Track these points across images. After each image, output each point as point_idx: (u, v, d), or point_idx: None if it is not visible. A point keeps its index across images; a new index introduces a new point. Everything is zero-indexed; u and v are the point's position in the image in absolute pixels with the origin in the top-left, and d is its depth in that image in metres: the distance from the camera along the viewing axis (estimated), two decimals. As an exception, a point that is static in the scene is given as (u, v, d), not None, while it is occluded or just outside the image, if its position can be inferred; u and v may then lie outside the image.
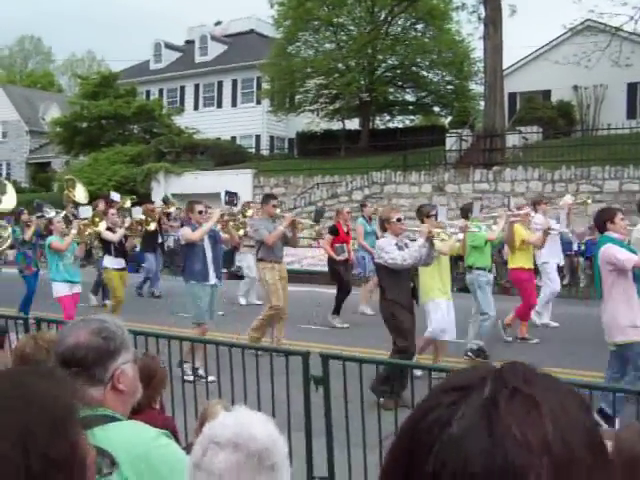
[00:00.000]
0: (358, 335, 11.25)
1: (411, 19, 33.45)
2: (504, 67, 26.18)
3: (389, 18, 32.50)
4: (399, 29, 33.89)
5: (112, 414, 2.18)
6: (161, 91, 40.62)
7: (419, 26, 34.01)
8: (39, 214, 13.68)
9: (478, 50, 29.71)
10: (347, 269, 12.97)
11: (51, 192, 33.35)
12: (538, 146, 24.13)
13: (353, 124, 36.13)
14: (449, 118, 36.05)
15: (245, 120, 37.37)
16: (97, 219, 11.02)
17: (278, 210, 10.31)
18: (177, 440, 3.63)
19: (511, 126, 26.33)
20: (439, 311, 8.36)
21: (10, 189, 13.19)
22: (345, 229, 13.20)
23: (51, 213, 14.23)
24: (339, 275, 12.68)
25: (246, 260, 14.68)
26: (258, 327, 9.69)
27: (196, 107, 39.52)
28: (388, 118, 37.80)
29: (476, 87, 33.41)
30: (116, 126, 34.41)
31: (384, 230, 7.98)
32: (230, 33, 42.38)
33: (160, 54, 42.10)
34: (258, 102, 37.08)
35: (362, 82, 32.30)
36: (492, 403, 0.85)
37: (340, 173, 25.02)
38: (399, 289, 7.56)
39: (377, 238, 13.32)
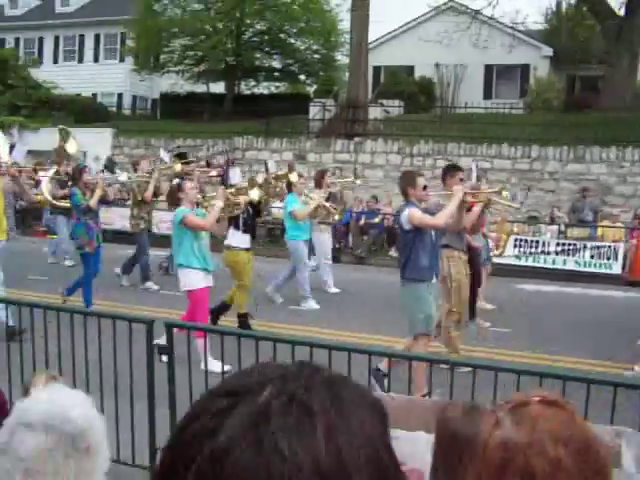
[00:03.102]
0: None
1: (281, -15, 33.24)
2: (370, 40, 26.57)
3: (259, -18, 32.18)
4: (268, -6, 33.61)
5: None
6: (17, 40, 38.47)
7: (289, -8, 33.84)
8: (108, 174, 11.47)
9: (346, 21, 29.96)
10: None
11: None
12: (399, 120, 24.70)
13: (218, 87, 35.65)
14: (314, 87, 36.25)
15: (107, 77, 35.96)
16: (249, 187, 8.82)
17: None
18: (5, 413, 3.54)
19: (374, 99, 26.81)
20: None
21: (72, 140, 11.54)
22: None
23: (122, 176, 12.33)
24: (477, 267, 9.32)
25: (320, 243, 12.48)
26: (449, 343, 7.83)
27: (55, 60, 37.72)
28: (254, 84, 37.50)
29: (342, 58, 33.70)
30: (-34, 75, 32.44)
31: None
32: (95, -16, 40.69)
33: (17, -1, 39.90)
34: (122, 59, 35.85)
35: (229, 46, 31.89)
36: (264, 412, 0.75)
37: (202, 137, 24.73)
38: None
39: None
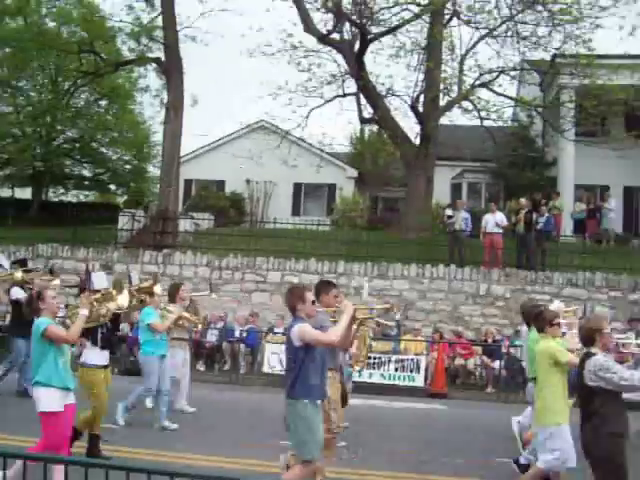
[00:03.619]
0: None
1: (95, 94, 33.18)
2: (183, 154, 26.81)
3: (72, 90, 31.91)
4: (82, 102, 33.45)
5: None
6: None
7: (103, 102, 33.84)
8: None
9: (159, 134, 30.22)
10: None
11: None
12: (209, 233, 24.81)
13: (25, 193, 34.45)
14: (124, 197, 35.92)
15: None
16: (116, 292, 7.98)
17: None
18: None
19: (184, 211, 26.87)
20: (566, 439, 7.20)
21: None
22: None
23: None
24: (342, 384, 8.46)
25: (177, 356, 11.60)
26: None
27: None
28: (62, 191, 36.61)
29: (154, 170, 33.80)
30: None
31: (589, 344, 6.48)
32: None
33: None
34: None
35: (38, 151, 31.10)
36: None
37: (4, 243, 23.48)
38: (622, 418, 6.22)
39: None
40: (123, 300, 8.06)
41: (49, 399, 6.72)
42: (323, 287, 7.60)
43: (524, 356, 10.32)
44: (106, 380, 8.56)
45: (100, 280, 8.42)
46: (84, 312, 7.16)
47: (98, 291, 8.05)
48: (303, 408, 6.36)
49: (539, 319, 7.76)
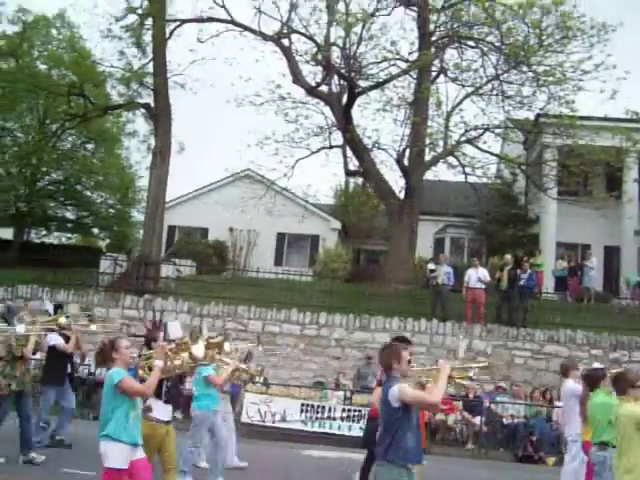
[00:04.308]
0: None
1: (82, 137, 33.28)
2: (168, 200, 26.81)
3: (59, 132, 32.00)
4: (68, 145, 33.53)
5: None
6: None
7: (89, 146, 33.94)
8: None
9: (144, 179, 30.27)
10: None
11: None
12: (191, 280, 24.69)
13: (6, 233, 34.27)
14: (107, 241, 35.80)
15: None
16: (191, 341, 7.57)
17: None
18: None
19: (167, 257, 26.77)
20: None
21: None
22: None
23: (20, 327, 10.09)
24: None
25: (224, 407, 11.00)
26: None
27: None
28: (44, 232, 36.45)
29: (138, 215, 33.76)
30: None
31: None
32: None
33: None
34: None
35: (21, 191, 31.02)
36: None
37: (-18, 283, 23.28)
38: None
39: None
40: (198, 351, 7.57)
41: (116, 455, 6.47)
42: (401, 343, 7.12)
43: (564, 419, 9.98)
44: (169, 436, 7.92)
45: (175, 329, 8.20)
46: (159, 363, 6.86)
47: (173, 341, 7.74)
48: (396, 473, 5.87)
49: (620, 381, 7.43)
